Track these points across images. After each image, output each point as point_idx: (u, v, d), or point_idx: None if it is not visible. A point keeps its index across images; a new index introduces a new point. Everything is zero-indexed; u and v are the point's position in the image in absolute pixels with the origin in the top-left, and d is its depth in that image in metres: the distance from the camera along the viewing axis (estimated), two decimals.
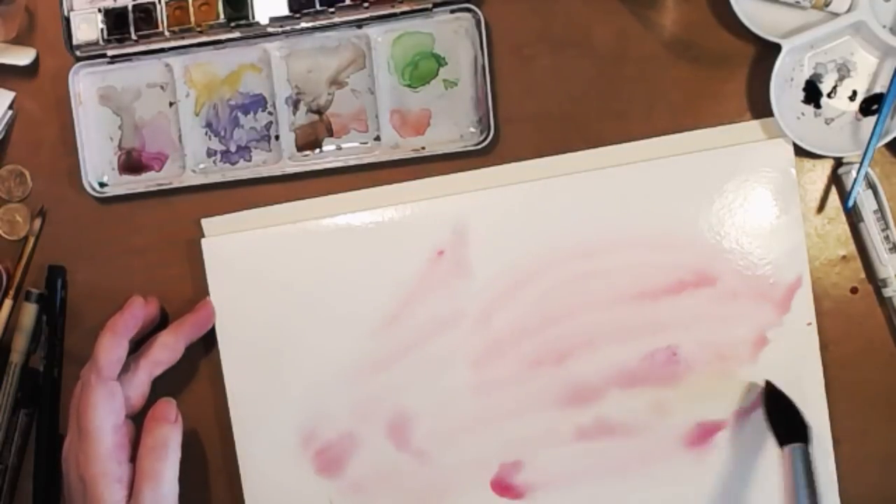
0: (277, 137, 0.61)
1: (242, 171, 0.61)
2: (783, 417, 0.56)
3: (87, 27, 0.60)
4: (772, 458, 0.58)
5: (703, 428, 0.58)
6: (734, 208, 0.58)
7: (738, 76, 0.58)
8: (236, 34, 0.60)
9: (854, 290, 0.58)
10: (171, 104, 0.61)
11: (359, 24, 0.59)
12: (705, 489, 0.58)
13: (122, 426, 0.55)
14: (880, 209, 0.57)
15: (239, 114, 0.61)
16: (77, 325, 0.62)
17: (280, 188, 0.61)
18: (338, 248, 0.60)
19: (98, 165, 0.62)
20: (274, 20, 0.59)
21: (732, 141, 0.58)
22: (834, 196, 0.58)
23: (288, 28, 0.60)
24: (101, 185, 0.62)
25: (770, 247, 0.58)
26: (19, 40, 0.62)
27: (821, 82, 0.57)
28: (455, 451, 0.59)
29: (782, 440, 0.55)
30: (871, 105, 0.57)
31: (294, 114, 0.61)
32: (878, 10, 0.56)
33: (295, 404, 0.60)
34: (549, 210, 0.59)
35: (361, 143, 0.61)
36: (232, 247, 0.60)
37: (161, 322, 0.60)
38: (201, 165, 0.61)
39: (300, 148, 0.61)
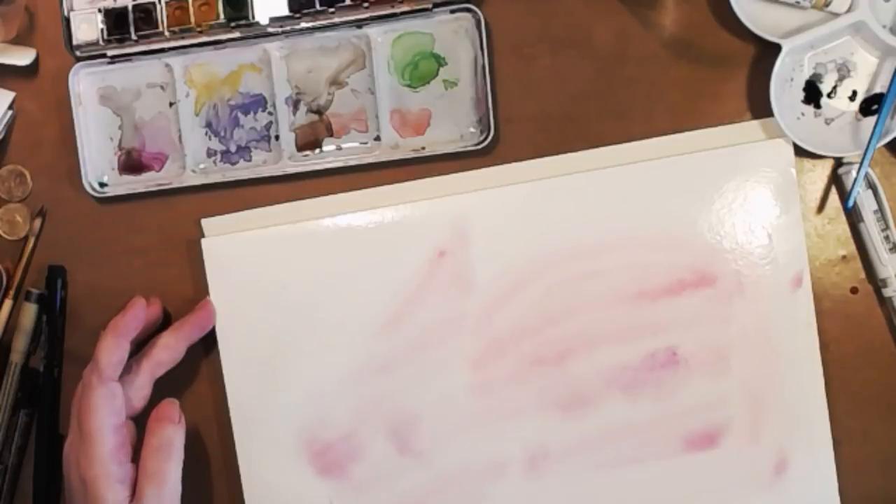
0: (277, 137, 0.61)
1: (242, 171, 0.61)
2: None
3: (87, 27, 0.60)
4: (772, 459, 0.58)
5: (704, 429, 0.58)
6: (734, 208, 0.58)
7: (738, 76, 0.58)
8: (236, 34, 0.60)
9: (854, 290, 0.58)
10: (171, 104, 0.61)
11: (359, 24, 0.59)
12: (705, 491, 0.58)
13: (124, 427, 0.55)
14: (880, 209, 0.57)
15: (239, 114, 0.61)
16: (77, 325, 0.62)
17: (280, 188, 0.61)
18: (338, 249, 0.60)
19: (98, 165, 0.62)
20: (274, 20, 0.59)
21: (732, 141, 0.58)
22: (834, 196, 0.58)
23: (288, 28, 0.60)
24: (101, 185, 0.62)
25: (770, 247, 0.58)
26: (19, 40, 0.62)
27: (821, 82, 0.57)
28: (455, 451, 0.59)
29: None
30: (871, 105, 0.57)
31: (294, 114, 0.61)
32: (878, 10, 0.56)
33: (295, 405, 0.60)
34: (549, 210, 0.59)
35: (361, 143, 0.61)
36: (232, 247, 0.60)
37: (163, 323, 0.60)
38: (201, 165, 0.61)
39: (300, 148, 0.61)
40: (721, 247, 0.58)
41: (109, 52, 0.61)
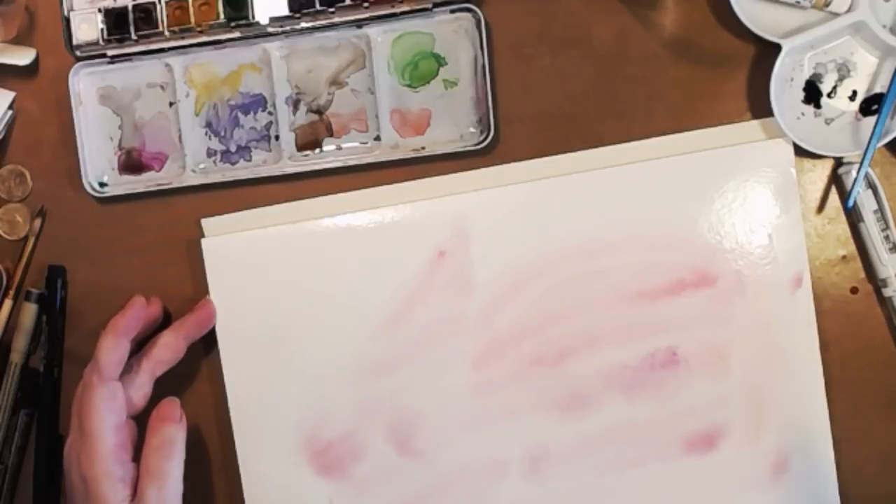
0: (277, 137, 0.61)
1: (242, 171, 0.61)
2: None
3: (87, 27, 0.60)
4: (772, 459, 0.58)
5: (704, 429, 0.58)
6: (734, 208, 0.58)
7: (738, 76, 0.58)
8: (236, 34, 0.60)
9: (854, 290, 0.58)
10: (171, 104, 0.61)
11: (359, 24, 0.59)
12: (705, 491, 0.58)
13: (124, 426, 0.55)
14: (880, 209, 0.57)
15: (239, 114, 0.61)
16: (77, 325, 0.62)
17: (280, 188, 0.61)
18: (338, 249, 0.60)
19: (98, 165, 0.62)
20: (274, 20, 0.59)
21: (732, 141, 0.58)
22: (834, 196, 0.58)
23: (288, 28, 0.60)
24: (101, 185, 0.62)
25: (770, 247, 0.58)
26: (19, 40, 0.62)
27: (821, 82, 0.57)
28: (455, 451, 0.59)
29: None
30: (871, 105, 0.57)
31: (294, 114, 0.61)
32: (878, 10, 0.56)
33: (295, 404, 0.60)
34: (549, 210, 0.59)
35: (361, 143, 0.61)
36: (232, 247, 0.60)
37: (164, 322, 0.60)
38: (201, 165, 0.61)
39: (300, 148, 0.61)
40: (721, 247, 0.58)
41: (109, 52, 0.61)
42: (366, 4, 0.59)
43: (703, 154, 0.58)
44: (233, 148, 0.61)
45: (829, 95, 0.57)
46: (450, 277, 0.59)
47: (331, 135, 0.61)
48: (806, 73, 0.57)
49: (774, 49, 0.56)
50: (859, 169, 0.55)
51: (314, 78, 0.61)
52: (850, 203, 0.56)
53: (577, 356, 0.58)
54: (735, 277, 0.58)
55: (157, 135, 0.62)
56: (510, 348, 0.59)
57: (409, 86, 0.60)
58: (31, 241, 0.62)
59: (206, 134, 0.61)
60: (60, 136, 0.62)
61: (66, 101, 0.61)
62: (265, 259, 0.60)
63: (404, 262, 0.59)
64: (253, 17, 0.59)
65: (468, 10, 0.59)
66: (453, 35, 0.59)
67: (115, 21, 0.60)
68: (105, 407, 0.54)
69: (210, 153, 0.61)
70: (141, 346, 0.59)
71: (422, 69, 0.60)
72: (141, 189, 0.61)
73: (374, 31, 0.59)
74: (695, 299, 0.58)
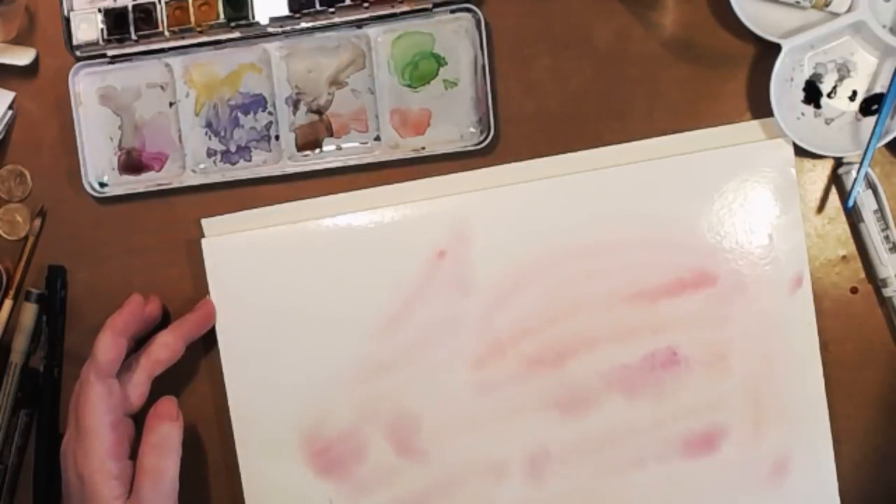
0: (277, 137, 0.61)
1: (242, 171, 0.61)
2: None
3: (87, 27, 0.60)
4: (772, 459, 0.58)
5: (704, 429, 0.58)
6: (734, 208, 0.58)
7: (738, 76, 0.58)
8: (236, 34, 0.60)
9: (854, 290, 0.58)
10: (171, 104, 0.61)
11: (359, 24, 0.59)
12: (706, 491, 0.58)
13: (121, 424, 0.56)
14: (880, 209, 0.57)
15: (239, 114, 0.61)
16: (77, 325, 0.62)
17: (280, 188, 0.61)
18: (338, 249, 0.60)
19: (98, 165, 0.62)
20: (274, 20, 0.59)
21: (732, 141, 0.58)
22: (834, 196, 0.58)
23: (288, 28, 0.60)
24: (101, 185, 0.62)
25: (770, 247, 0.58)
26: (19, 40, 0.62)
27: (821, 82, 0.57)
28: (455, 451, 0.59)
29: None
30: (871, 105, 0.57)
31: (294, 114, 0.61)
32: (878, 10, 0.56)
33: (295, 404, 0.60)
34: (549, 210, 0.59)
35: (361, 143, 0.61)
36: (232, 247, 0.60)
37: (163, 321, 0.60)
38: (201, 165, 0.61)
39: (300, 148, 0.61)
40: (721, 247, 0.58)
41: (109, 52, 0.61)
42: (366, 4, 0.59)
43: (702, 154, 0.58)
44: (233, 148, 0.61)
45: (829, 95, 0.57)
46: (450, 277, 0.59)
47: (331, 135, 0.61)
48: (806, 73, 0.57)
49: (774, 49, 0.56)
50: (859, 169, 0.55)
51: (314, 78, 0.61)
52: (850, 203, 0.56)
53: (577, 356, 0.58)
54: (735, 277, 0.58)
55: (157, 135, 0.62)
56: (510, 348, 0.59)
57: (409, 86, 0.60)
58: (31, 241, 0.62)
59: (206, 134, 0.61)
60: (60, 136, 0.62)
61: (66, 101, 0.61)
62: (265, 259, 0.60)
63: (404, 262, 0.59)
64: (253, 18, 0.59)
65: (468, 10, 0.59)
66: (453, 35, 0.59)
67: (115, 21, 0.60)
68: (101, 404, 0.55)
69: (210, 153, 0.61)
70: (140, 345, 0.59)
71: (422, 69, 0.60)
72: (141, 189, 0.61)
73: (374, 31, 0.59)
74: (695, 299, 0.58)
